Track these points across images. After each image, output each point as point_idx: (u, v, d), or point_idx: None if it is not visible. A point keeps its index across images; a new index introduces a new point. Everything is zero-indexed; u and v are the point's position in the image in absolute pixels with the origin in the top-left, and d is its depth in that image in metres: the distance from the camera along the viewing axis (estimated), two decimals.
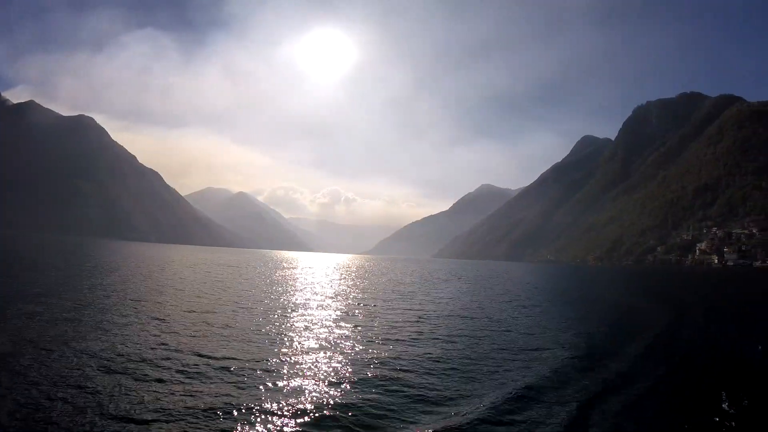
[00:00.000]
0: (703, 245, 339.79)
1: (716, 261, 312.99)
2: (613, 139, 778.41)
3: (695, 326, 41.82)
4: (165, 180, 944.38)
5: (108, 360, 20.55)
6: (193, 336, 26.39)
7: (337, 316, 37.65)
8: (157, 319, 31.04)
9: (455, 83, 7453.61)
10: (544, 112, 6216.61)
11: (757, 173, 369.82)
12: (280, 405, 16.54)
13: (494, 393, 18.97)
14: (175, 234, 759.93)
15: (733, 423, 15.83)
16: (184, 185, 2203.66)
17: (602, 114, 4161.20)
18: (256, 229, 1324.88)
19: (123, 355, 21.41)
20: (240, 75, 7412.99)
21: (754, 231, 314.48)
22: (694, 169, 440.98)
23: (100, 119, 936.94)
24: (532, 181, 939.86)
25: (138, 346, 23.22)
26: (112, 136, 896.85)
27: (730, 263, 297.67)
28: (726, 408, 17.30)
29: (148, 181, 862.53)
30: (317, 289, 63.33)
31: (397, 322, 36.34)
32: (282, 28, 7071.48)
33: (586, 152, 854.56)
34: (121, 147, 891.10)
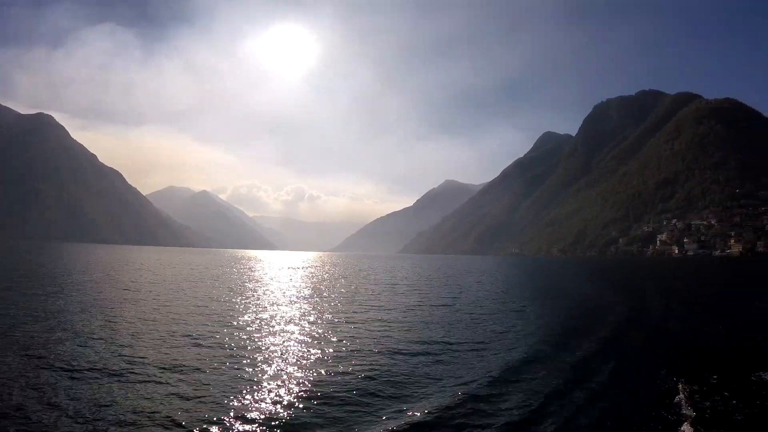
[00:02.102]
0: (663, 236, 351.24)
1: (677, 251, 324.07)
2: (573, 135, 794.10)
3: (657, 314, 42.94)
4: (127, 180, 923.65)
5: (69, 368, 19.89)
6: (159, 343, 25.30)
7: (304, 318, 35.55)
8: (119, 326, 29.55)
9: (420, 80, 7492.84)
10: (507, 109, 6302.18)
11: (714, 168, 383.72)
12: (253, 406, 16.49)
13: (456, 387, 18.98)
14: (138, 235, 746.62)
15: (694, 410, 16.10)
16: (145, 184, 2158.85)
17: (563, 111, 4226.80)
18: (219, 228, 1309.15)
19: (83, 362, 20.75)
20: (202, 71, 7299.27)
21: (712, 222, 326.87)
22: (654, 164, 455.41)
23: (59, 117, 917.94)
24: (494, 177, 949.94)
25: (100, 354, 22.40)
26: (72, 135, 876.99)
27: (690, 253, 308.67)
28: (686, 394, 17.64)
29: (109, 181, 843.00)
30: (286, 290, 59.84)
31: (367, 318, 36.11)
32: (246, 23, 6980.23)
33: (548, 148, 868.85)
34: (82, 146, 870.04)
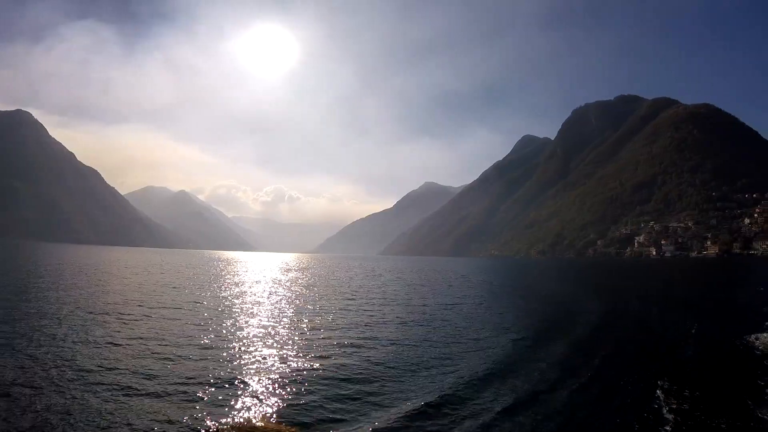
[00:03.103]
0: (641, 238, 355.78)
1: (654, 253, 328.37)
2: (552, 138, 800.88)
3: (637, 313, 43.35)
4: (104, 179, 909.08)
5: (42, 373, 19.01)
6: (135, 348, 23.86)
7: (283, 325, 33.06)
8: (96, 329, 28.00)
9: (401, 82, 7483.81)
10: (486, 112, 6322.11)
11: (691, 171, 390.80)
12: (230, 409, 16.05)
13: (434, 387, 18.84)
14: (116, 235, 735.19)
15: (672, 409, 16.03)
16: (123, 184, 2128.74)
17: (542, 114, 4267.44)
18: (198, 228, 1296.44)
19: (55, 367, 19.85)
20: (183, 70, 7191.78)
21: (689, 224, 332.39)
22: (632, 167, 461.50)
23: (37, 114, 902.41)
24: (474, 179, 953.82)
25: (75, 358, 21.32)
26: (50, 133, 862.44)
27: (667, 254, 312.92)
28: (664, 393, 17.51)
29: (87, 180, 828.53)
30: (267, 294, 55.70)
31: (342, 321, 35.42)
32: (227, 22, 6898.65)
33: (527, 151, 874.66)
34: (60, 144, 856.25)
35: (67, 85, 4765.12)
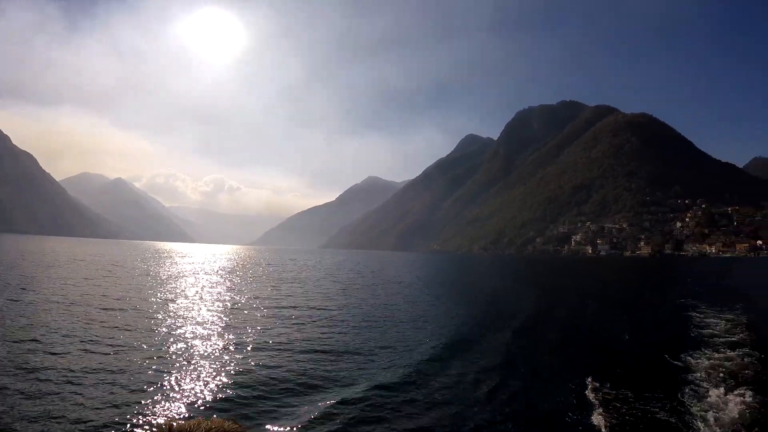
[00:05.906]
0: (578, 237, 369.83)
1: (590, 251, 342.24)
2: (495, 138, 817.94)
3: (574, 310, 42.78)
4: (40, 164, 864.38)
5: None
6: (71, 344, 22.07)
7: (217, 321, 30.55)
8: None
9: (349, 77, 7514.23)
10: (432, 110, 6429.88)
11: (627, 176, 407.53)
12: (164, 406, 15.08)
13: (361, 385, 17.94)
14: (54, 224, 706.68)
15: (603, 403, 15.87)
16: (57, 169, 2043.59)
17: (486, 115, 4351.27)
18: (134, 218, 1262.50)
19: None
20: (127, 52, 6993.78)
21: (624, 226, 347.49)
22: (571, 170, 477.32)
23: None
24: (416, 175, 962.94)
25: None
26: None
27: (602, 253, 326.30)
28: (595, 388, 17.30)
29: (23, 165, 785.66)
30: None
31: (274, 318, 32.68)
32: (174, 3, 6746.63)
33: (470, 150, 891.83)
34: None
35: (4, 63, 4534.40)
